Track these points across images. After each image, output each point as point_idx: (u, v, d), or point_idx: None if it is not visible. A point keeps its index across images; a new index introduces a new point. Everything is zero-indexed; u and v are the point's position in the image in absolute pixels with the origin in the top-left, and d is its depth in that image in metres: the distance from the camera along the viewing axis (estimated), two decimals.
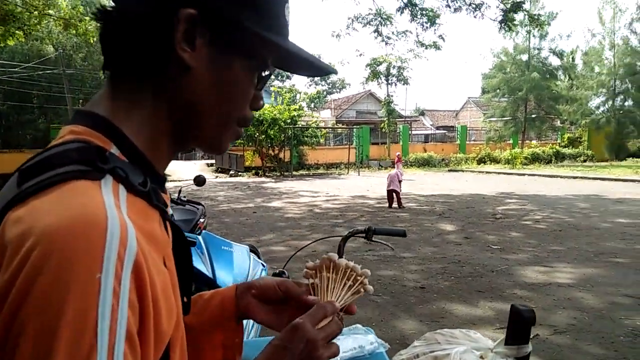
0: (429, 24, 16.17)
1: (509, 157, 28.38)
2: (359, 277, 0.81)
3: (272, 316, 0.81)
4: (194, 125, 0.62)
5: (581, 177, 20.32)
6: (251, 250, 2.10)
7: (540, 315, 4.40)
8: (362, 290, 0.80)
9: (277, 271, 1.85)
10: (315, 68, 0.68)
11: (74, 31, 13.80)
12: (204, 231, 1.97)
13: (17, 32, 13.27)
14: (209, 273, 1.79)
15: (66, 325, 0.41)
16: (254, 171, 24.75)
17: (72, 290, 0.42)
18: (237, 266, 1.83)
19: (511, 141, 33.32)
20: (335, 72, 0.75)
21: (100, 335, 0.42)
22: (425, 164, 29.12)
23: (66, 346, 0.41)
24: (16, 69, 28.56)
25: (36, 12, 13.31)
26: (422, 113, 53.34)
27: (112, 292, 0.43)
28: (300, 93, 34.62)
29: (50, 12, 13.65)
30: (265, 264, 1.97)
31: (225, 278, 1.81)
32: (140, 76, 0.59)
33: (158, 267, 0.52)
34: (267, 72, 0.66)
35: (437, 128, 46.47)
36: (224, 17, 0.58)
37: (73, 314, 0.41)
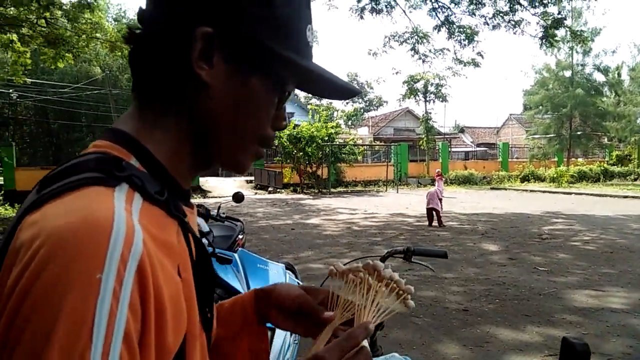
0: (466, 41, 16.01)
1: (554, 175, 27.44)
2: (401, 292, 0.74)
3: (291, 323, 0.80)
4: (213, 143, 0.62)
5: (632, 197, 19.41)
6: (288, 268, 2.04)
7: (592, 342, 4.14)
8: (402, 307, 0.74)
9: None
10: (339, 90, 0.67)
11: (120, 53, 14.41)
12: (240, 249, 1.93)
13: (66, 54, 13.95)
14: (244, 291, 1.74)
15: (62, 323, 0.41)
16: (292, 188, 24.87)
17: (71, 289, 0.43)
18: None
19: (556, 159, 32.31)
20: (360, 92, 0.72)
21: (95, 335, 0.42)
22: (466, 181, 28.56)
23: (61, 344, 0.41)
24: (66, 90, 30.02)
25: (84, 36, 13.98)
26: (462, 130, 52.55)
27: (111, 292, 0.43)
28: (337, 110, 34.75)
29: (98, 35, 14.29)
30: (301, 283, 1.90)
31: None
32: (163, 96, 0.60)
33: (169, 274, 0.52)
34: (287, 92, 0.65)
35: (478, 145, 45.62)
36: (241, 35, 0.58)
37: (70, 312, 0.42)
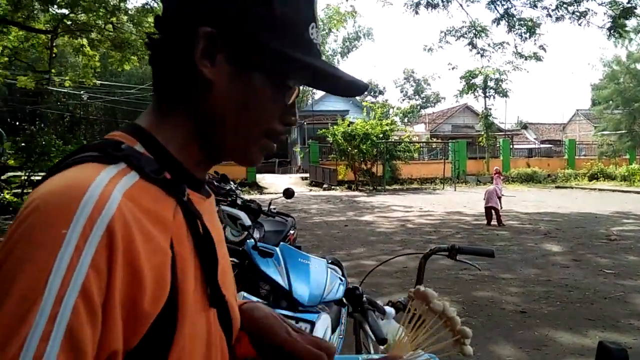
0: (528, 34, 15.31)
1: (626, 174, 25.80)
2: (456, 332, 0.65)
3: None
4: (218, 138, 0.66)
5: None
6: (334, 263, 2.03)
7: None
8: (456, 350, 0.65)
9: (351, 287, 1.78)
10: (346, 86, 0.67)
11: None
12: (282, 243, 1.95)
13: (132, 57, 14.63)
14: (285, 285, 1.76)
15: (24, 272, 0.46)
16: (346, 185, 24.85)
17: (37, 242, 0.47)
18: (314, 280, 1.79)
19: (628, 156, 30.42)
20: (368, 87, 0.72)
21: (50, 284, 0.45)
22: (529, 179, 27.41)
23: (18, 291, 0.45)
24: (132, 91, 31.50)
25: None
26: (525, 126, 50.51)
27: (74, 248, 0.47)
28: (392, 108, 34.30)
29: None
30: (343, 279, 1.90)
31: (301, 290, 1.78)
32: (173, 94, 0.65)
33: (154, 243, 0.54)
34: (292, 88, 0.67)
35: (542, 142, 43.67)
36: (242, 34, 0.61)
37: (32, 262, 0.46)
